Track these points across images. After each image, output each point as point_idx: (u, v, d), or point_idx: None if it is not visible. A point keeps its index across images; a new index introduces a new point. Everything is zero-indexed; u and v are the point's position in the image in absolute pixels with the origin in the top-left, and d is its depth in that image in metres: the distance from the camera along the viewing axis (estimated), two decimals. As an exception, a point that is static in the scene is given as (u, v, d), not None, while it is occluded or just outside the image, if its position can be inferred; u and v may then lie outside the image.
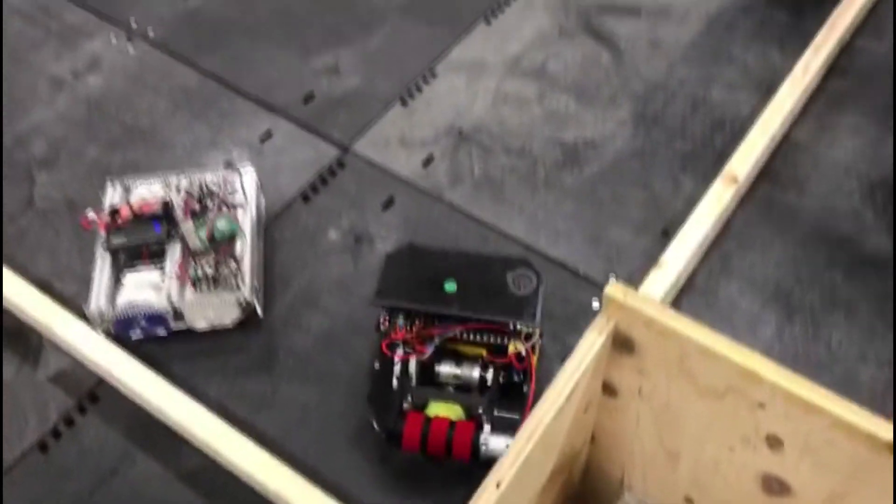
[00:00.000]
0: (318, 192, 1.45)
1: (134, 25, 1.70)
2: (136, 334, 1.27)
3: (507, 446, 0.99)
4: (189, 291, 1.25)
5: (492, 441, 1.07)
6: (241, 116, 1.56)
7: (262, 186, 1.40)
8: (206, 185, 1.33)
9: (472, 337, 1.12)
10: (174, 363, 1.26)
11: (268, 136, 1.53)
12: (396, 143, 1.51)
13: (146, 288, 1.27)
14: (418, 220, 1.41)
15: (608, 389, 0.86)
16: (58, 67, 1.64)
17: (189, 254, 1.27)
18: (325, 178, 1.47)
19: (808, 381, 0.71)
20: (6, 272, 1.29)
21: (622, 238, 1.39)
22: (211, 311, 1.26)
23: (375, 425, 1.13)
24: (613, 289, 0.76)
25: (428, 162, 1.48)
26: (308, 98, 1.58)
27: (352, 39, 1.67)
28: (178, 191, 1.31)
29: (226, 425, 1.14)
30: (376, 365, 1.16)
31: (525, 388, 1.12)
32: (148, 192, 1.34)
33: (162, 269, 1.28)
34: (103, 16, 1.72)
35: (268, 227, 1.40)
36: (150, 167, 1.47)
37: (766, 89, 1.52)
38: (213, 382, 1.25)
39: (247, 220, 1.31)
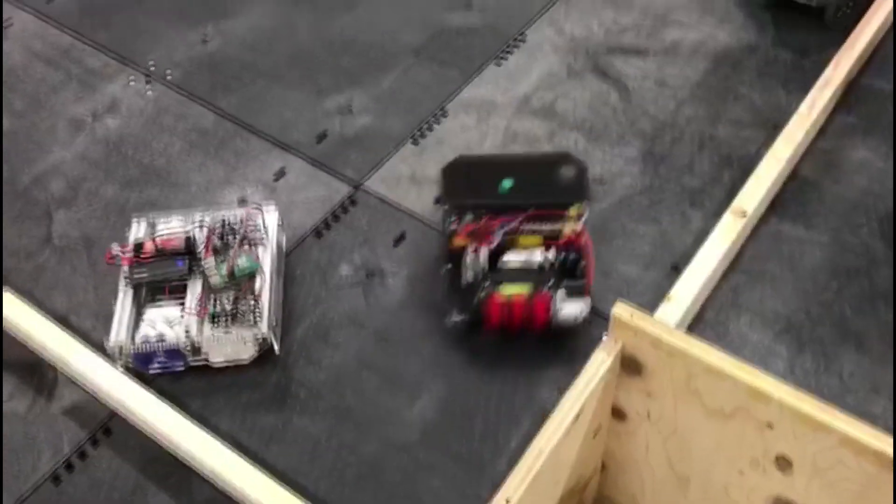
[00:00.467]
0: (331, 228, 1.47)
1: (152, 69, 1.74)
2: (154, 368, 1.28)
3: (580, 311, 1.20)
4: (208, 327, 1.26)
5: (565, 307, 1.23)
6: (256, 155, 1.59)
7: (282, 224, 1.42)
8: (229, 223, 1.35)
9: (530, 227, 1.25)
10: (188, 397, 1.27)
11: (281, 174, 1.56)
12: (407, 180, 1.53)
13: (166, 323, 1.28)
14: (429, 256, 1.42)
15: (617, 413, 0.87)
16: (78, 110, 1.68)
17: (209, 290, 1.29)
18: (337, 215, 1.49)
19: (814, 398, 0.71)
20: (24, 307, 1.31)
21: (632, 273, 1.39)
22: (228, 346, 1.27)
23: (456, 316, 1.26)
24: (620, 309, 0.77)
25: (439, 199, 1.49)
26: (321, 137, 1.61)
27: (365, 81, 1.70)
28: (202, 227, 1.34)
29: (237, 457, 1.14)
30: (447, 267, 1.28)
31: (582, 265, 1.26)
32: (171, 228, 1.36)
33: (182, 304, 1.29)
34: (123, 60, 1.77)
35: (281, 263, 1.41)
36: (166, 206, 1.50)
37: (773, 127, 1.53)
38: (225, 416, 1.25)
39: (267, 257, 1.33)
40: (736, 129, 1.58)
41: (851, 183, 1.49)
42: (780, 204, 1.46)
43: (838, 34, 1.64)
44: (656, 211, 1.47)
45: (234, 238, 1.32)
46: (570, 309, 1.24)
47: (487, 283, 1.24)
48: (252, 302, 1.28)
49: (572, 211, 1.24)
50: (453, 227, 1.26)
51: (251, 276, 1.30)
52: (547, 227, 1.26)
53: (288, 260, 1.43)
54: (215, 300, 1.28)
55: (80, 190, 1.55)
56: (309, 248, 1.45)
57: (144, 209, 1.49)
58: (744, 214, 1.37)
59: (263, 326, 1.26)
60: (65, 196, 1.54)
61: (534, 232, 1.26)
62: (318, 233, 1.47)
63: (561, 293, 1.24)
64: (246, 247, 1.33)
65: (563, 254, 1.27)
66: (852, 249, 1.40)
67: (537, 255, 1.26)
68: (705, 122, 1.59)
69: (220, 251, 1.31)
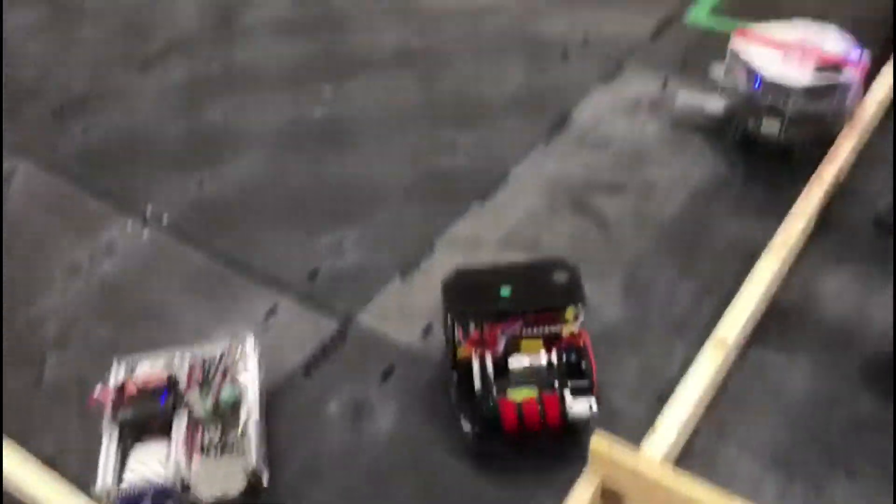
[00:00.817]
0: (320, 364, 1.49)
1: (149, 213, 1.81)
2: (143, 513, 1.27)
3: (589, 409, 1.26)
4: (196, 461, 1.26)
5: (575, 405, 1.26)
6: (248, 294, 1.62)
7: (263, 356, 1.43)
8: (210, 356, 1.37)
9: (531, 331, 1.31)
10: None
11: (272, 312, 1.59)
12: (396, 314, 1.56)
13: (153, 462, 1.27)
14: (418, 390, 1.44)
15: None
16: (75, 253, 1.73)
17: (196, 424, 1.30)
18: (326, 351, 1.51)
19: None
20: (12, 450, 1.31)
21: (618, 404, 1.40)
22: (218, 480, 1.26)
23: (468, 425, 1.29)
24: (598, 442, 0.78)
25: (427, 332, 1.52)
26: (312, 274, 1.65)
27: (355, 219, 1.76)
28: (182, 363, 1.35)
29: None
30: (454, 377, 1.32)
31: (584, 364, 1.31)
32: (153, 366, 1.37)
33: (169, 441, 1.29)
34: (121, 204, 1.83)
35: (270, 400, 1.43)
36: (158, 346, 1.52)
37: (750, 257, 1.58)
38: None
39: (250, 388, 1.35)
40: (714, 261, 1.63)
41: (830, 311, 1.53)
42: (761, 333, 1.49)
43: (807, 169, 1.72)
44: (640, 342, 1.50)
45: (216, 371, 1.35)
46: (580, 407, 1.28)
47: (496, 390, 1.28)
48: (239, 432, 1.28)
49: (569, 313, 1.31)
50: (458, 338, 1.31)
51: (236, 407, 1.31)
52: (546, 329, 1.32)
53: (278, 397, 1.44)
54: (203, 433, 1.29)
55: (74, 332, 1.58)
56: (298, 385, 1.46)
57: (137, 350, 1.51)
58: (725, 344, 1.40)
59: (252, 456, 1.26)
60: (58, 338, 1.57)
61: (534, 335, 1.32)
62: (306, 369, 1.49)
63: (569, 394, 1.28)
64: (228, 378, 1.35)
65: (564, 354, 1.32)
66: (836, 377, 1.42)
67: (541, 358, 1.32)
68: (683, 254, 1.64)
69: (203, 384, 1.33)
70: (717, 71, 1.90)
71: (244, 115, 2.06)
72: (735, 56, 1.82)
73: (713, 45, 2.03)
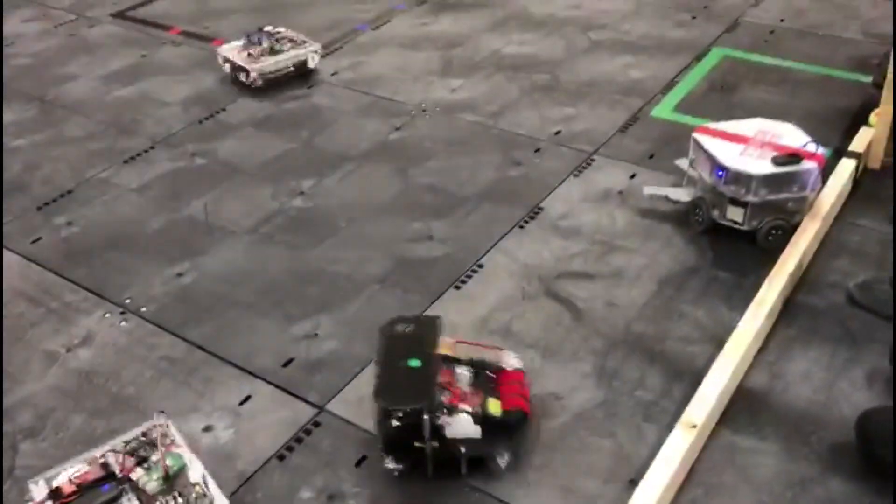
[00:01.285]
0: (294, 451, 1.49)
1: (128, 303, 1.83)
2: None
3: (512, 356, 1.54)
4: None
5: (513, 361, 1.54)
6: (223, 382, 1.63)
7: (237, 444, 1.43)
8: (135, 438, 1.39)
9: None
10: None
11: (247, 399, 1.60)
12: (370, 400, 1.57)
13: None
14: (391, 477, 1.43)
15: None
16: (53, 343, 1.74)
17: (152, 499, 1.30)
18: (300, 438, 1.52)
19: None
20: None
21: (591, 488, 1.41)
22: None
23: (507, 457, 1.43)
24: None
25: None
26: (287, 362, 1.67)
27: (331, 308, 1.79)
28: (105, 457, 1.36)
29: None
30: (463, 449, 1.41)
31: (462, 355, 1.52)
32: (72, 474, 1.36)
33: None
34: (101, 295, 1.85)
35: (242, 488, 1.42)
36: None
37: (718, 342, 1.61)
38: None
39: (187, 455, 1.37)
40: (683, 345, 1.66)
41: (797, 393, 1.55)
42: (730, 415, 1.51)
43: (773, 253, 1.77)
44: (612, 425, 1.51)
45: (152, 447, 1.37)
46: (514, 361, 1.53)
47: (489, 406, 1.43)
48: (198, 489, 1.30)
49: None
50: (447, 404, 1.39)
51: (183, 469, 1.33)
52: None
53: (250, 485, 1.43)
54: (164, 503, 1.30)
55: (48, 420, 1.58)
56: (271, 472, 1.46)
57: (112, 438, 1.51)
58: (693, 427, 1.41)
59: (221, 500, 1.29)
60: (32, 427, 1.57)
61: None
62: (280, 456, 1.49)
63: (502, 363, 1.53)
64: (164, 448, 1.37)
65: (460, 360, 1.51)
66: (805, 458, 1.44)
67: (465, 376, 1.48)
68: (654, 339, 1.67)
69: (142, 463, 1.35)
70: (683, 162, 1.98)
71: (225, 208, 2.11)
72: (698, 148, 1.90)
73: (679, 138, 2.12)
